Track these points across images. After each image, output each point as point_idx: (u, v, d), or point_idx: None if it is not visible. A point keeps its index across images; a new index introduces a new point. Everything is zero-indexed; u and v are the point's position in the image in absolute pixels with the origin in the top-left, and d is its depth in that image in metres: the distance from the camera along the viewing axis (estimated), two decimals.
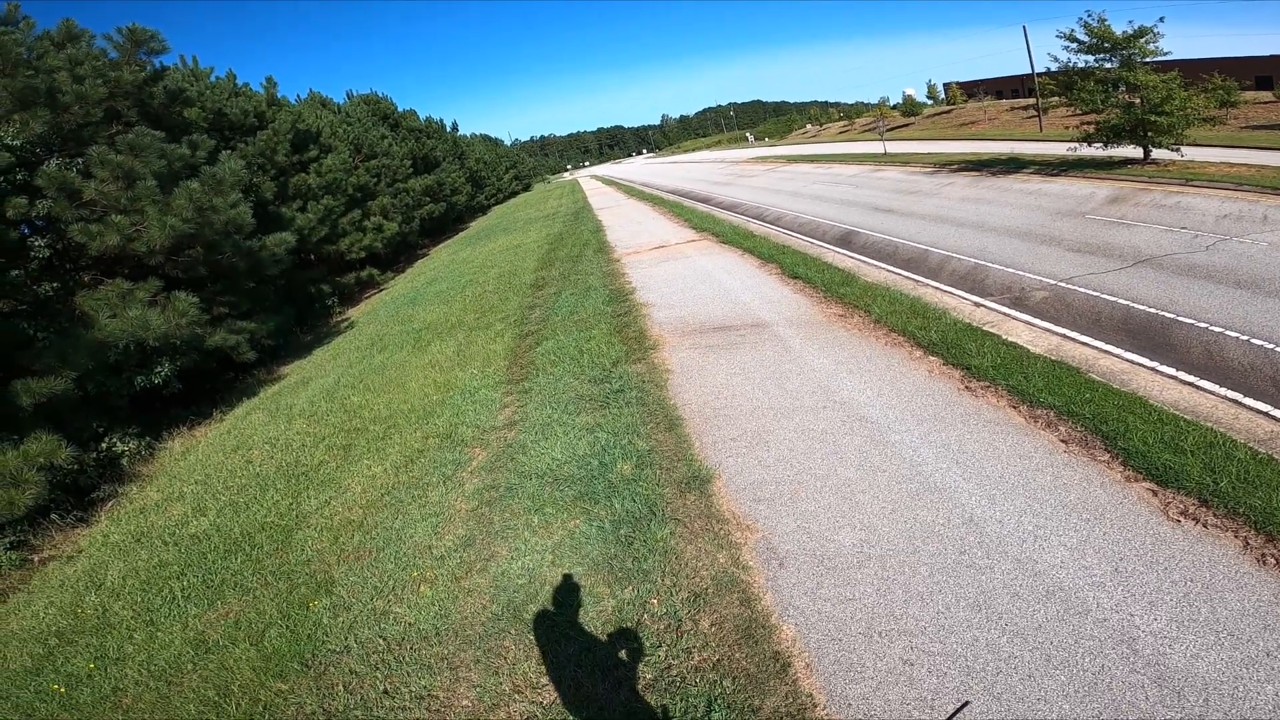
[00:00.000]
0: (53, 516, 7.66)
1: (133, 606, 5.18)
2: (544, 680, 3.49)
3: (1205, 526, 3.74)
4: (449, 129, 46.81)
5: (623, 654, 3.55)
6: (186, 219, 10.60)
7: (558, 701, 3.34)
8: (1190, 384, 5.50)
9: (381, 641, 4.03)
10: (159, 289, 10.50)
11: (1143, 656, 2.99)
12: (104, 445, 9.33)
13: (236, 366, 13.07)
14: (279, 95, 21.72)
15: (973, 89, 53.12)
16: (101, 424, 9.56)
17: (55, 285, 10.05)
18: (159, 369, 10.39)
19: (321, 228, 20.22)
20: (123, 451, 9.38)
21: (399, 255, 29.05)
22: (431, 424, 7.32)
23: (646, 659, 3.48)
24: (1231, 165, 14.91)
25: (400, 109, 37.70)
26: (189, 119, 14.32)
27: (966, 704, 2.90)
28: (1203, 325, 6.62)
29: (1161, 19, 15.76)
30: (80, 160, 10.35)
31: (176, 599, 5.11)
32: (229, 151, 14.36)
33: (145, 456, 9.56)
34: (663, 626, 3.68)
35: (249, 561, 5.43)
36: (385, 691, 3.64)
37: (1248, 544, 3.56)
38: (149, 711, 3.93)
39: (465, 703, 3.46)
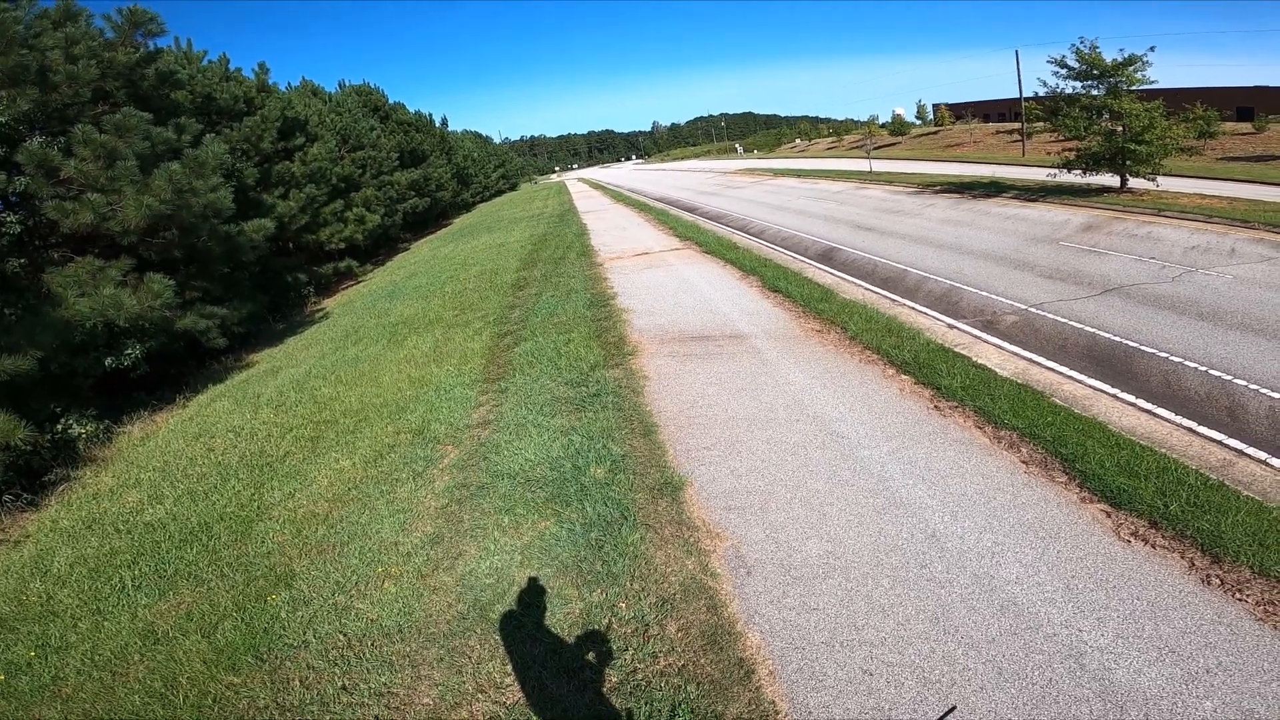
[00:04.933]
0: (3, 499, 7.38)
1: (79, 595, 5.01)
2: (508, 680, 3.47)
3: (1154, 547, 3.88)
4: (439, 124, 46.39)
5: (589, 656, 3.55)
6: (164, 200, 10.40)
7: (521, 702, 3.32)
8: (1148, 411, 5.69)
9: (342, 637, 3.97)
10: (131, 269, 10.25)
11: (1089, 671, 3.09)
12: (60, 427, 9.02)
13: (204, 352, 12.77)
14: (270, 82, 21.37)
15: (961, 111, 54.09)
16: (59, 404, 9.25)
17: (23, 261, 9.74)
18: (129, 350, 10.12)
19: (302, 216, 19.91)
20: (79, 434, 9.08)
21: (379, 248, 28.70)
22: (404, 419, 7.24)
23: (612, 662, 3.49)
24: (1204, 197, 15.36)
25: (391, 101, 37.32)
26: (177, 102, 14.14)
27: (953, 709, 2.95)
28: (1163, 355, 6.86)
29: (1152, 48, 16.06)
30: (63, 138, 10.13)
31: (126, 588, 4.96)
32: (213, 135, 14.12)
33: (102, 440, 9.28)
34: (630, 630, 3.69)
35: (205, 552, 5.30)
36: (343, 688, 3.58)
37: (1194, 565, 3.70)
38: (91, 702, 3.81)
39: (426, 701, 3.43)
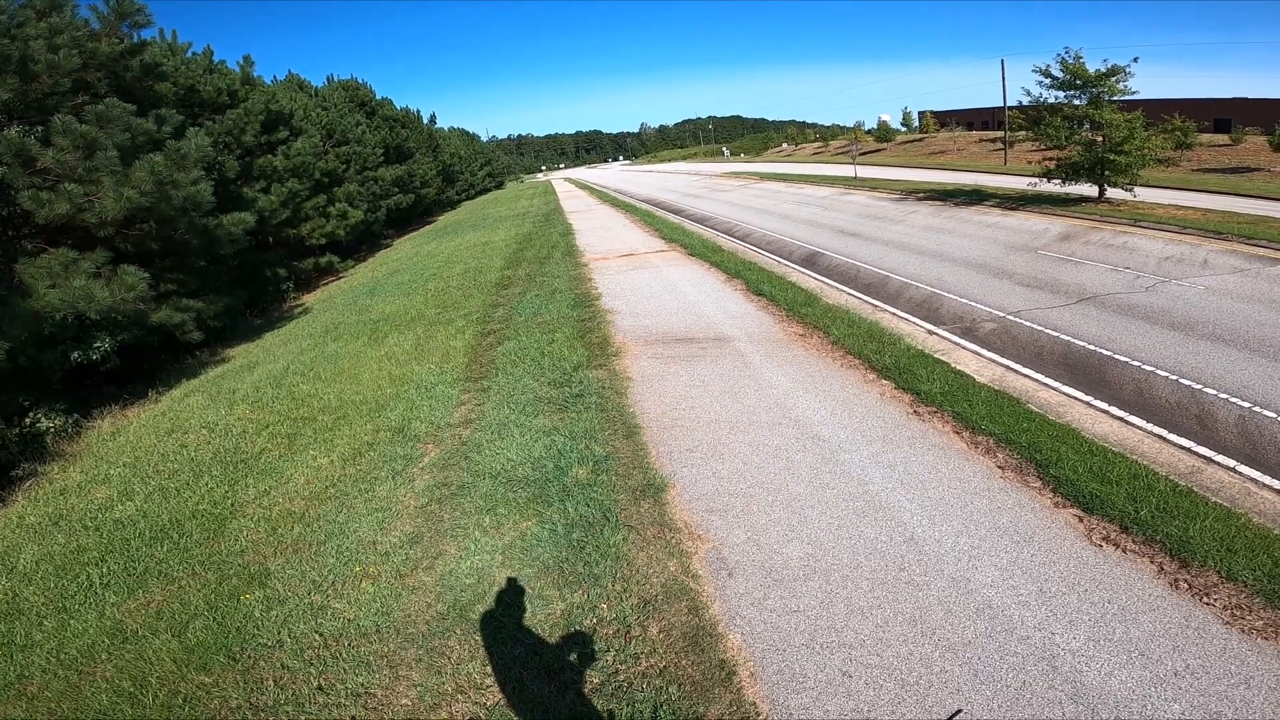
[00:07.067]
0: None
1: (45, 592, 4.88)
2: (489, 681, 3.44)
3: (1125, 552, 3.97)
4: (426, 120, 46.00)
5: (570, 657, 3.54)
6: (145, 192, 10.19)
7: (502, 703, 3.30)
8: (1120, 418, 5.82)
9: (317, 637, 3.90)
10: (106, 261, 10.00)
11: (1061, 673, 3.15)
12: (28, 421, 8.77)
13: (179, 346, 12.50)
14: (255, 75, 21.01)
15: (946, 119, 54.76)
16: (28, 398, 8.99)
17: None
18: (98, 344, 9.87)
19: (283, 210, 19.58)
20: (47, 428, 8.84)
21: (362, 244, 28.35)
22: (384, 417, 7.15)
23: (594, 663, 3.48)
24: (1179, 208, 15.70)
25: (379, 96, 36.95)
26: (161, 93, 13.90)
27: (959, 712, 2.97)
28: (1136, 364, 7.03)
29: (1135, 59, 16.37)
30: (41, 128, 9.88)
31: (94, 586, 4.83)
32: (196, 128, 13.89)
33: (71, 435, 9.02)
34: (611, 632, 3.68)
35: (176, 550, 5.18)
36: (319, 688, 3.52)
37: (1162, 569, 3.79)
38: (57, 700, 3.71)
39: (405, 701, 3.38)
